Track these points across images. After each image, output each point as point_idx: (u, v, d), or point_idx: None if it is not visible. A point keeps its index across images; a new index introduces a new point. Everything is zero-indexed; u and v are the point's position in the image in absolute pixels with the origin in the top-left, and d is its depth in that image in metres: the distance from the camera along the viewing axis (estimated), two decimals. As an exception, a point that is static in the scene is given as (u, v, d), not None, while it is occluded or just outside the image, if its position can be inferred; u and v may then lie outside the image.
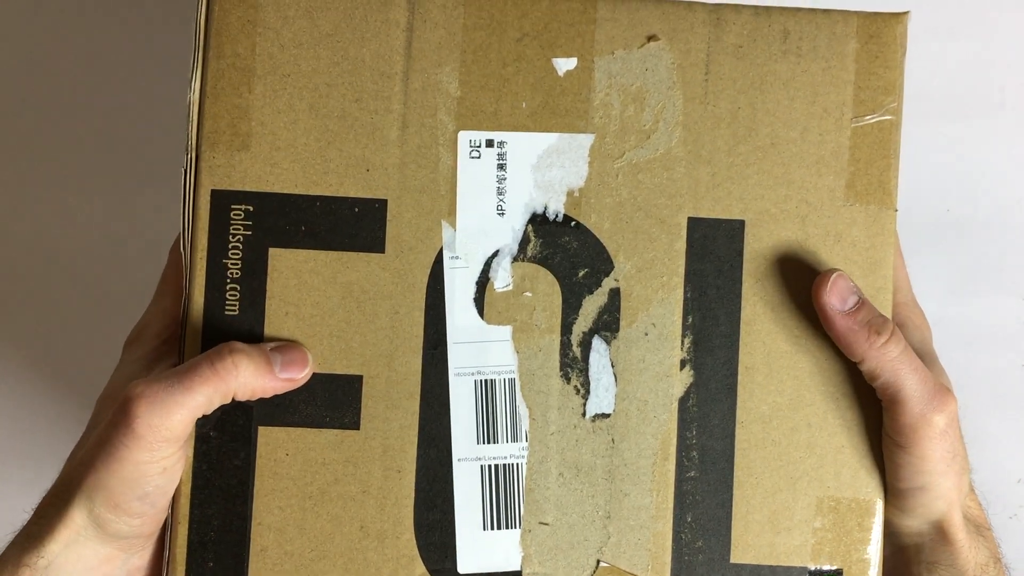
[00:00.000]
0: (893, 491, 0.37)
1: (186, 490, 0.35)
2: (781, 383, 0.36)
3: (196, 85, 0.36)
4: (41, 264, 0.52)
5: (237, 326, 0.35)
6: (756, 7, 0.36)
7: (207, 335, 0.35)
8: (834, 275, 0.36)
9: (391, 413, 0.36)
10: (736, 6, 0.36)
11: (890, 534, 0.38)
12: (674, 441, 0.36)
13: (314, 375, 0.36)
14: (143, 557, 0.36)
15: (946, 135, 0.50)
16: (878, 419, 0.37)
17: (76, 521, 0.33)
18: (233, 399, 0.34)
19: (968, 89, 0.50)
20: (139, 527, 0.34)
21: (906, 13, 0.37)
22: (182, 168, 0.36)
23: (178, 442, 0.34)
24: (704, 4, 0.36)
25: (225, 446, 0.35)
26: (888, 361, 0.35)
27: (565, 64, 0.36)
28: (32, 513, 0.35)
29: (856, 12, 0.37)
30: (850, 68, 0.36)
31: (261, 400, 0.35)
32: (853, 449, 0.36)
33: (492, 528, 0.36)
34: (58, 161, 0.53)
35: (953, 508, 0.36)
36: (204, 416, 0.34)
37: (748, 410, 0.36)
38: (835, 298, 0.36)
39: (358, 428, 0.36)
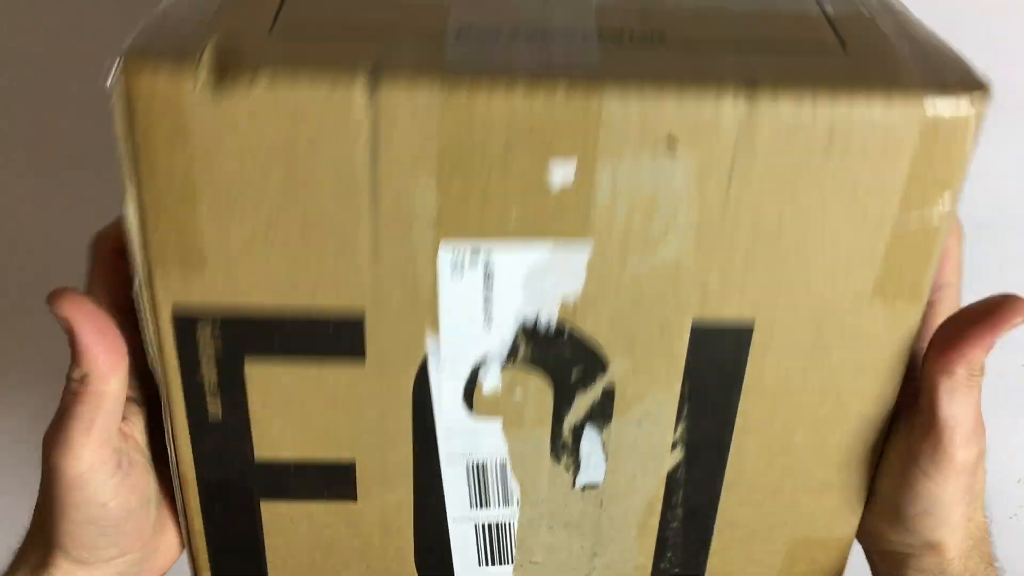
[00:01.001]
0: (897, 511, 0.37)
1: (201, 544, 0.38)
2: (772, 458, 0.36)
3: (133, 204, 0.30)
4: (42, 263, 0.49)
5: (223, 432, 0.35)
6: (799, 95, 0.29)
7: (197, 446, 0.35)
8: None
9: (386, 490, 0.37)
10: (773, 94, 0.29)
11: (878, 540, 0.39)
12: (660, 503, 0.37)
13: (307, 461, 0.36)
14: (155, 556, 0.38)
15: None
16: (863, 468, 0.37)
17: (64, 567, 0.35)
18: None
19: None
20: (126, 545, 0.36)
21: (985, 91, 0.30)
22: (134, 287, 0.32)
23: (106, 468, 0.34)
24: (734, 94, 0.29)
25: (231, 516, 0.37)
26: (963, 392, 0.34)
27: (562, 167, 0.30)
28: (15, 557, 0.37)
29: (923, 99, 0.29)
30: (904, 164, 0.30)
31: (257, 480, 0.36)
32: (834, 494, 0.38)
33: (487, 564, 0.39)
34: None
35: (956, 533, 0.37)
36: (206, 491, 0.36)
37: (736, 473, 0.37)
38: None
39: (355, 500, 0.37)
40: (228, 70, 0.29)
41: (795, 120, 0.30)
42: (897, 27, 0.33)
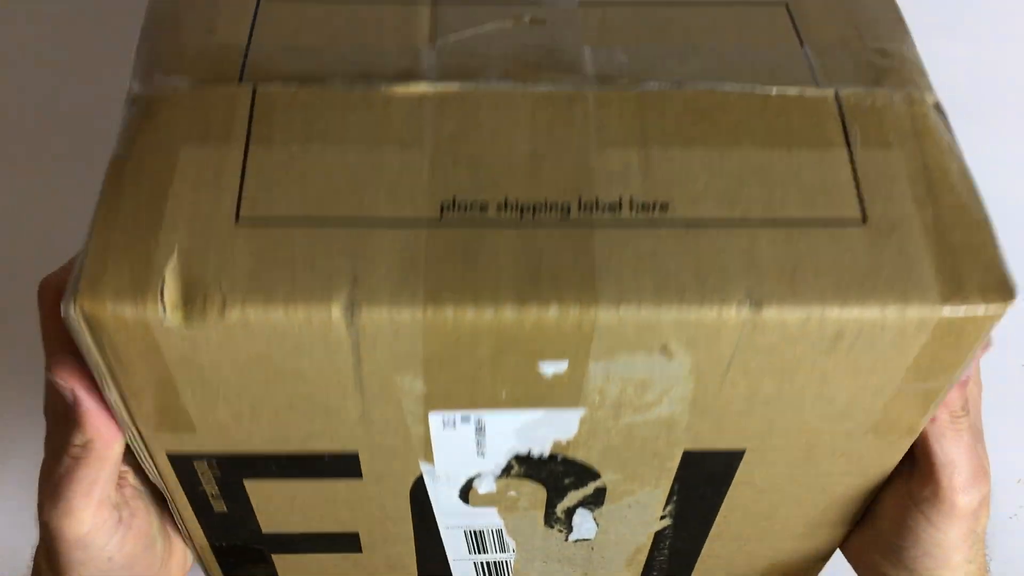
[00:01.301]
0: (898, 551, 0.37)
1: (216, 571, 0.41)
2: (756, 522, 0.38)
3: (114, 395, 0.30)
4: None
5: (231, 518, 0.36)
6: (807, 306, 0.27)
7: (206, 529, 0.37)
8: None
9: (389, 546, 0.39)
10: (780, 307, 0.27)
11: (876, 574, 0.39)
12: (647, 548, 0.39)
13: (313, 532, 0.38)
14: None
15: None
16: (851, 518, 0.39)
17: None
18: None
19: (968, 89, 0.45)
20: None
21: (1008, 294, 0.27)
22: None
23: (107, 525, 0.34)
24: (738, 307, 0.27)
25: (244, 561, 0.40)
26: (951, 436, 0.34)
27: (553, 367, 0.29)
28: None
29: (941, 306, 0.27)
30: (912, 354, 0.29)
31: (267, 543, 0.38)
32: (817, 538, 0.40)
33: (486, 584, 0.42)
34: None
35: (956, 574, 0.37)
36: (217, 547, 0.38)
37: (720, 529, 0.39)
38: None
39: (361, 553, 0.39)
40: (195, 302, 0.27)
41: (801, 328, 0.28)
42: (925, 175, 0.29)
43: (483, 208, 0.28)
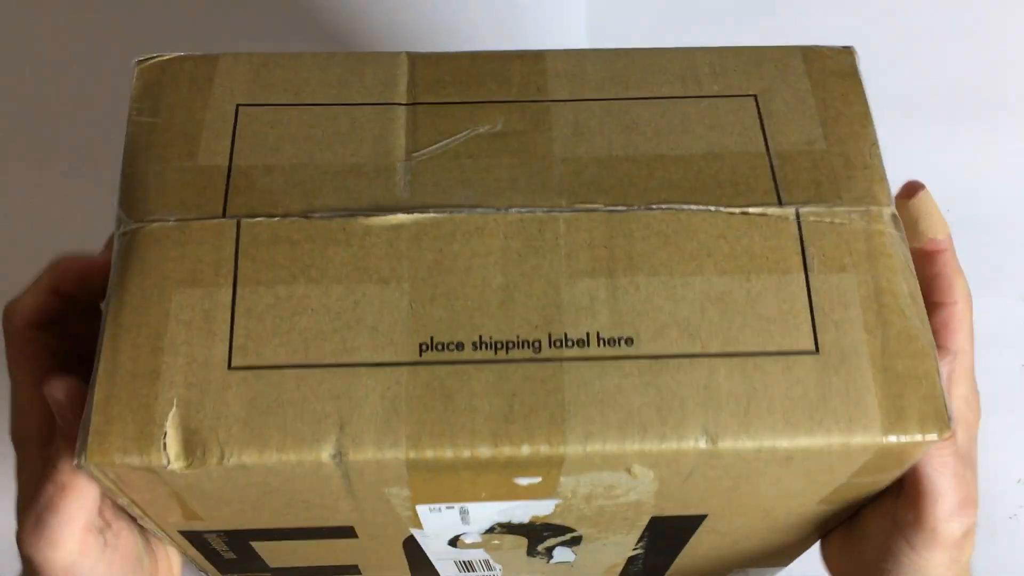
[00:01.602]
0: (878, 571, 0.36)
1: None
2: (723, 547, 0.41)
3: (126, 500, 0.32)
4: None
5: (240, 560, 0.40)
6: (759, 439, 0.29)
7: (218, 567, 0.40)
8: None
9: (387, 574, 0.42)
10: (735, 440, 0.29)
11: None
12: (622, 566, 0.43)
13: (317, 566, 0.41)
14: None
15: (946, 135, 0.46)
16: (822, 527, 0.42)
17: None
18: None
19: (968, 89, 0.46)
20: None
21: (946, 427, 0.30)
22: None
23: (92, 551, 0.33)
24: (695, 440, 0.29)
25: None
26: (937, 462, 0.33)
27: (528, 480, 0.31)
28: None
29: (885, 436, 0.30)
30: (856, 466, 0.31)
31: (275, 573, 0.42)
32: (788, 546, 0.43)
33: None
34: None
35: None
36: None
37: (692, 549, 0.42)
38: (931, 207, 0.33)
39: (360, 575, 0.43)
40: (195, 452, 0.29)
41: (755, 454, 0.30)
42: (876, 300, 0.31)
43: (459, 347, 0.30)
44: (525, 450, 0.29)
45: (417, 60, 0.35)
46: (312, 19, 0.60)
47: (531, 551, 0.41)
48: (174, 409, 0.29)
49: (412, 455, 0.29)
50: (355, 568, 0.42)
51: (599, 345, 0.30)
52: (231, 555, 0.39)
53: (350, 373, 0.30)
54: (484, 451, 0.29)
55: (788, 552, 0.43)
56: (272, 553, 0.39)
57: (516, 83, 0.35)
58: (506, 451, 0.29)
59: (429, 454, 0.29)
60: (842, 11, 0.49)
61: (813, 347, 0.31)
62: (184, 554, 0.39)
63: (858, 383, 0.30)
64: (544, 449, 0.30)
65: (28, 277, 0.55)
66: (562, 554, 0.41)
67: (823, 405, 0.30)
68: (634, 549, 0.41)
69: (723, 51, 0.36)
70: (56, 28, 0.52)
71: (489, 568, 0.43)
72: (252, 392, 0.30)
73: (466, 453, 0.29)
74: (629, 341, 0.31)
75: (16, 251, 0.57)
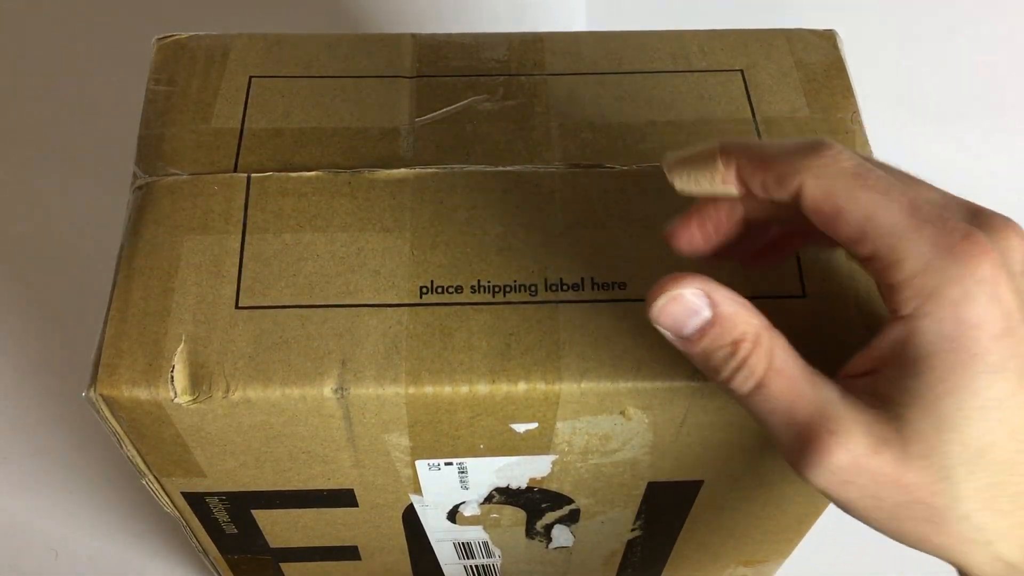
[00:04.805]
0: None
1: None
2: (722, 529, 0.42)
3: (130, 450, 0.33)
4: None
5: (241, 536, 0.40)
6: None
7: (219, 545, 0.40)
8: (664, 298, 0.26)
9: (385, 555, 0.43)
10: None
11: None
12: (622, 551, 0.43)
13: (316, 546, 0.42)
14: None
15: (946, 135, 0.46)
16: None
17: None
18: None
19: (968, 89, 0.46)
20: None
21: None
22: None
23: None
24: (687, 377, 0.30)
25: (256, 571, 0.44)
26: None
27: (524, 427, 0.32)
28: None
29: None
30: None
31: (275, 554, 0.42)
32: (772, 527, 0.43)
33: (475, 577, 0.46)
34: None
35: None
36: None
37: (689, 533, 0.42)
38: (668, 323, 0.27)
39: (360, 560, 0.43)
40: (201, 385, 0.30)
41: (744, 395, 0.31)
42: None
43: (458, 290, 0.31)
44: (522, 387, 0.30)
45: (421, 40, 0.37)
46: (321, 8, 0.63)
47: (529, 531, 0.41)
48: (182, 344, 0.30)
49: (412, 390, 0.30)
50: (354, 550, 0.42)
51: (593, 289, 0.32)
52: (232, 528, 0.39)
53: (353, 313, 0.31)
54: (482, 387, 0.30)
55: (787, 536, 0.43)
56: (273, 527, 0.39)
57: (515, 60, 0.37)
58: (503, 387, 0.30)
59: (428, 389, 0.30)
60: (842, 11, 0.51)
61: (799, 291, 0.32)
62: (186, 527, 0.40)
63: (845, 326, 0.31)
64: (540, 386, 0.30)
65: (28, 277, 0.56)
66: (560, 535, 0.41)
67: (813, 335, 0.31)
68: (632, 529, 0.41)
69: (711, 33, 0.38)
70: (64, 21, 0.53)
71: (488, 554, 0.43)
72: (258, 330, 0.31)
73: (464, 389, 0.30)
74: (622, 285, 0.32)
75: (16, 251, 0.58)
